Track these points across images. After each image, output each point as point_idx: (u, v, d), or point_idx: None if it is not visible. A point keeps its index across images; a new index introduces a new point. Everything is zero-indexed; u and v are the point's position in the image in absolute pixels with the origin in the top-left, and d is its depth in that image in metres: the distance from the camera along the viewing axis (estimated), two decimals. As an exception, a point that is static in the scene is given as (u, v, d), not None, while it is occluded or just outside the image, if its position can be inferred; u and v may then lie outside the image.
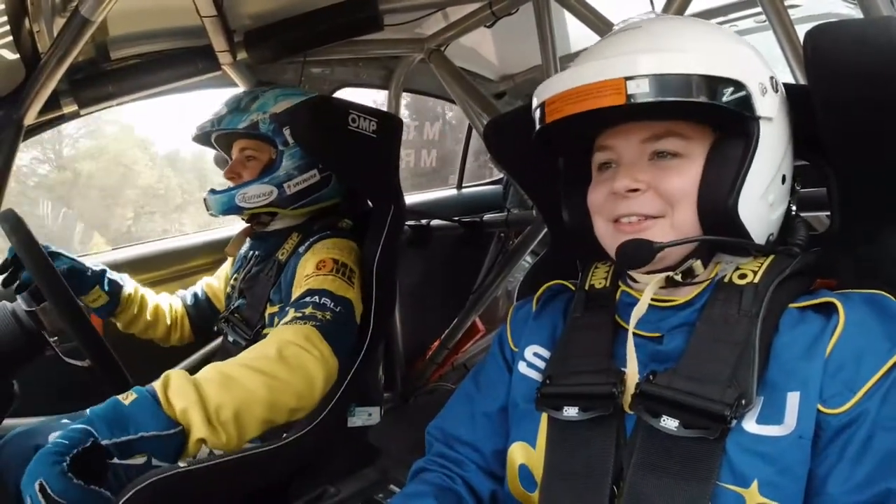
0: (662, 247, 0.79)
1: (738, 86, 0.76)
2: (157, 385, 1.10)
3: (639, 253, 0.81)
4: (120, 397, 1.07)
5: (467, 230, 2.78)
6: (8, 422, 1.58)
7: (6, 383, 1.34)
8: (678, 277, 0.83)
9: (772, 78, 0.81)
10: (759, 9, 1.39)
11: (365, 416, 1.76)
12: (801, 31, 0.86)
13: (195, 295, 1.91)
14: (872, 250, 0.86)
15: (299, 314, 1.35)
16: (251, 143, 1.64)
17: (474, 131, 2.91)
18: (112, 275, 1.70)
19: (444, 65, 2.28)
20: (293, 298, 1.45)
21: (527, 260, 2.49)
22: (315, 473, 1.33)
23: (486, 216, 2.79)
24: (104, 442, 0.98)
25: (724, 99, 0.75)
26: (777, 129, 0.81)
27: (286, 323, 1.34)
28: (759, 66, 0.81)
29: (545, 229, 2.13)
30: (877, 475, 0.68)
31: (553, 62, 1.98)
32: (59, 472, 0.91)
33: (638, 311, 0.83)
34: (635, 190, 0.81)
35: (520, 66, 2.68)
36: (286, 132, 1.59)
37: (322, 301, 1.39)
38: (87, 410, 1.04)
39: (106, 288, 1.67)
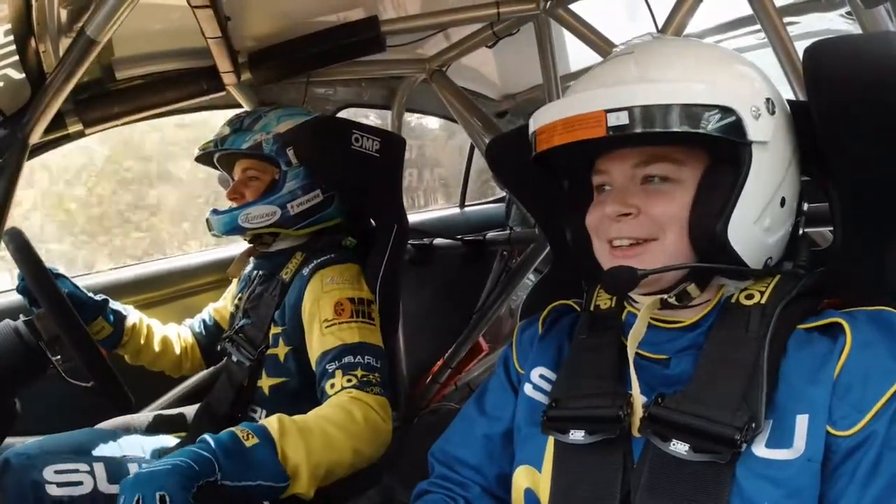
0: (646, 274, 0.79)
1: (727, 111, 0.76)
2: (272, 429, 1.18)
3: (622, 279, 0.81)
4: (239, 434, 1.13)
5: (470, 249, 2.77)
6: (8, 440, 1.58)
7: (8, 401, 1.33)
8: (672, 300, 0.83)
9: (768, 100, 0.80)
10: (758, 26, 1.40)
11: (368, 436, 1.74)
12: (801, 47, 0.87)
13: (203, 322, 1.91)
14: (877, 264, 0.85)
15: (354, 379, 1.38)
16: (254, 163, 1.65)
17: (476, 150, 2.93)
18: (115, 305, 1.69)
19: (446, 85, 2.30)
20: (324, 349, 1.45)
21: (530, 278, 2.49)
22: (318, 495, 1.31)
23: (489, 234, 2.79)
24: (226, 483, 1.06)
25: (710, 126, 0.75)
26: (774, 153, 0.80)
27: (348, 388, 1.37)
28: (754, 89, 0.80)
29: (548, 247, 2.13)
30: (885, 496, 0.67)
31: (554, 82, 1.99)
32: (186, 495, 0.97)
33: (635, 335, 0.84)
34: (626, 214, 0.82)
35: (521, 86, 2.70)
36: (290, 152, 1.59)
37: (367, 360, 1.42)
38: (207, 437, 1.11)
39: (110, 319, 1.66)
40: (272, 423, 1.18)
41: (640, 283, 0.79)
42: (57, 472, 1.34)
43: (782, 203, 0.83)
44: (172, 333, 1.84)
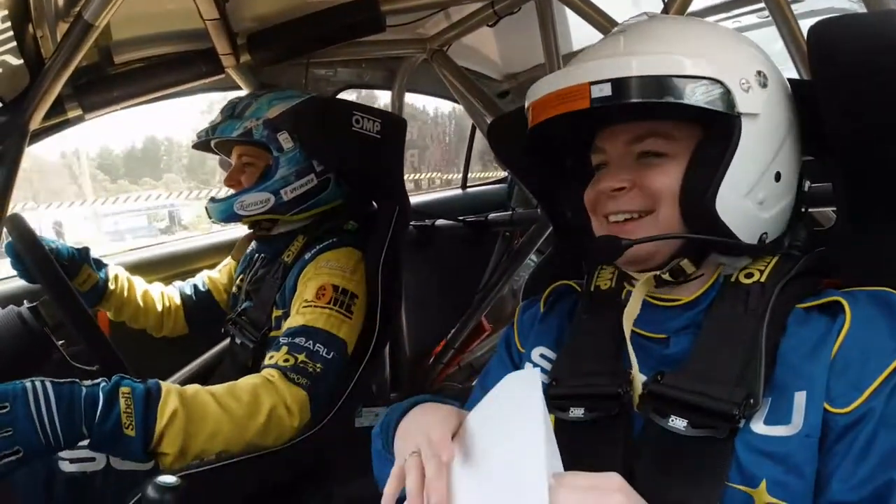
0: (631, 243, 0.80)
1: (713, 82, 0.76)
2: (159, 422, 1.17)
3: (607, 248, 0.82)
4: (123, 420, 1.13)
5: (472, 230, 2.78)
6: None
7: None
8: (666, 276, 0.84)
9: (759, 72, 0.80)
10: (761, 4, 1.39)
11: (372, 417, 1.76)
12: (805, 26, 0.86)
13: (195, 286, 1.92)
14: (879, 247, 0.85)
15: (292, 360, 1.38)
16: (248, 149, 1.64)
17: (478, 131, 2.92)
18: (95, 255, 1.70)
19: (447, 65, 2.28)
20: (290, 325, 1.47)
21: (532, 259, 2.49)
22: (322, 475, 1.33)
23: (491, 215, 2.79)
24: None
25: (696, 97, 0.75)
26: (765, 126, 0.80)
27: (279, 367, 1.37)
28: (743, 62, 0.80)
29: (550, 228, 2.13)
30: (878, 471, 0.68)
31: (556, 60, 1.98)
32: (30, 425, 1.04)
33: (630, 312, 0.85)
34: (620, 189, 0.83)
35: (523, 65, 2.67)
36: (281, 137, 1.58)
37: (315, 348, 1.42)
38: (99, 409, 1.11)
39: (93, 266, 1.67)
40: (165, 410, 1.18)
41: (624, 252, 0.81)
42: (70, 459, 1.35)
43: (777, 177, 0.82)
44: (156, 292, 1.85)
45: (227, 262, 1.93)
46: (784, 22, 1.33)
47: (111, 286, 1.72)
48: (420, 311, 2.52)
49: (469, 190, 3.28)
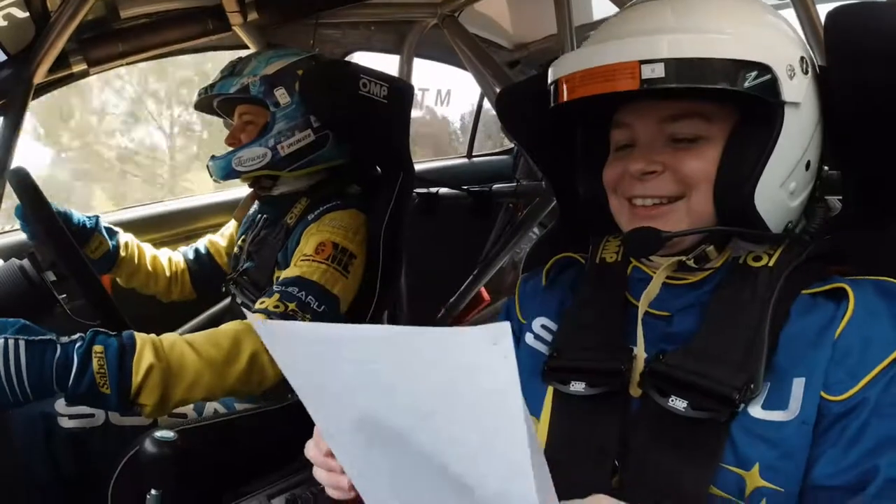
0: (670, 236, 0.78)
1: (764, 69, 0.73)
2: (134, 378, 1.15)
3: (646, 242, 0.80)
4: (97, 380, 1.12)
5: (476, 199, 2.77)
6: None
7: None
8: (691, 263, 0.82)
9: (802, 59, 0.77)
10: (780, -15, 1.36)
11: (370, 378, 1.77)
12: (822, 10, 0.84)
13: (197, 250, 1.92)
14: (887, 236, 0.84)
15: (282, 307, 1.37)
16: (248, 107, 1.63)
17: (486, 100, 2.89)
18: (106, 223, 1.71)
19: (458, 31, 2.24)
20: (286, 275, 1.47)
21: (534, 231, 2.49)
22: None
23: (495, 186, 2.77)
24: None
25: (747, 84, 0.72)
26: (804, 114, 0.78)
27: (267, 311, 1.36)
28: (790, 46, 0.77)
29: (554, 201, 2.12)
30: (864, 458, 0.68)
31: (569, 31, 1.95)
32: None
33: (649, 294, 0.83)
34: (651, 172, 0.80)
35: (535, 35, 2.63)
36: (278, 93, 1.57)
37: (307, 299, 1.41)
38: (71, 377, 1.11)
39: (104, 234, 1.68)
40: (140, 366, 1.16)
41: (663, 245, 0.79)
42: (69, 403, 1.37)
43: (807, 167, 0.81)
44: (164, 257, 1.87)
45: (230, 226, 1.93)
46: (802, 5, 1.30)
47: (122, 253, 1.73)
48: (420, 278, 2.53)
49: (474, 159, 3.26)
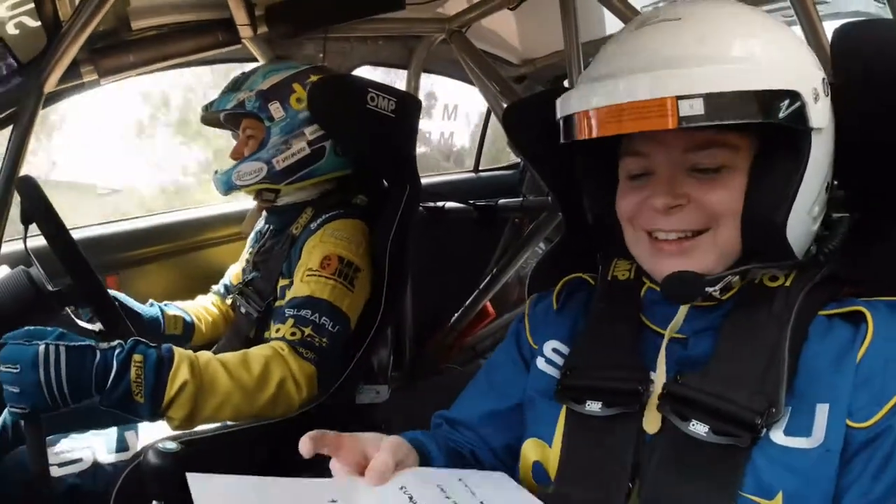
0: (712, 281, 0.76)
1: (794, 96, 0.69)
2: (168, 392, 1.18)
3: (688, 290, 0.77)
4: (133, 388, 1.14)
5: (482, 214, 2.77)
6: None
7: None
8: (716, 294, 0.79)
9: (824, 79, 0.75)
10: (786, 2, 1.36)
11: (373, 395, 1.77)
12: (829, 28, 0.84)
13: (225, 286, 1.93)
14: (893, 254, 0.84)
15: (299, 333, 1.39)
16: (250, 122, 1.65)
17: (493, 115, 2.90)
18: (170, 310, 1.78)
19: (466, 46, 2.26)
20: (295, 295, 1.47)
21: (540, 246, 2.48)
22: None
23: (502, 201, 2.77)
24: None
25: (781, 114, 0.69)
26: (826, 138, 0.76)
27: (287, 340, 1.38)
28: (813, 67, 0.75)
29: (560, 216, 2.12)
30: (892, 489, 0.66)
31: (576, 48, 1.95)
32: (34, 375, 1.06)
33: (674, 326, 0.81)
34: (676, 206, 0.77)
35: (542, 51, 2.64)
36: (272, 107, 1.58)
37: (321, 321, 1.42)
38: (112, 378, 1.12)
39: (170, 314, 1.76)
40: (175, 380, 1.19)
41: (703, 291, 0.76)
42: (55, 453, 1.36)
43: (828, 189, 0.79)
44: (205, 311, 1.89)
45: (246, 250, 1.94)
46: (808, 22, 1.30)
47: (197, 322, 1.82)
48: (425, 293, 2.53)
49: (481, 174, 3.27)
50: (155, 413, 1.18)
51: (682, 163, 0.77)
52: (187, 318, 1.80)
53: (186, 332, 1.79)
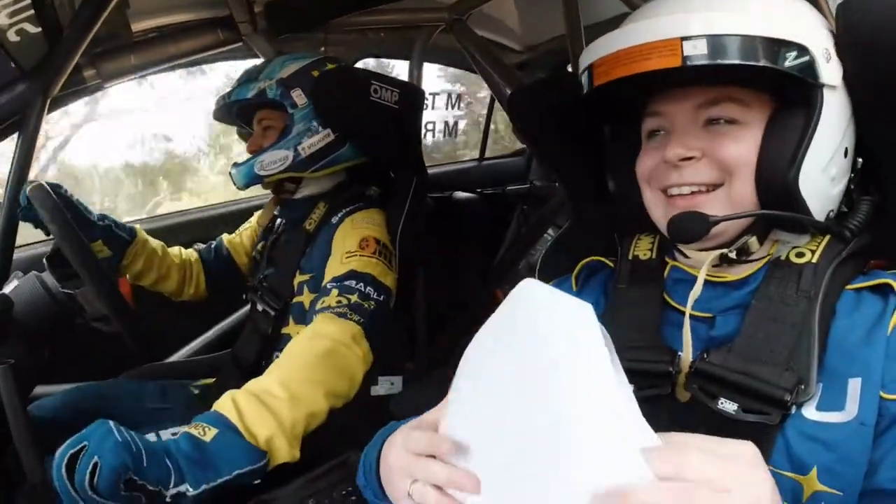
0: (718, 220, 0.75)
1: (802, 50, 0.71)
2: (228, 412, 1.12)
3: (692, 227, 0.77)
4: (194, 432, 1.07)
5: (489, 202, 2.76)
6: (39, 389, 1.63)
7: (39, 351, 1.37)
8: (733, 255, 0.79)
9: (836, 44, 0.76)
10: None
11: (387, 385, 1.77)
12: (833, 2, 0.83)
13: (215, 249, 1.91)
14: None
15: (345, 300, 1.37)
16: (267, 112, 1.63)
17: (496, 102, 2.88)
18: (120, 230, 1.69)
19: (467, 34, 2.24)
20: (335, 274, 1.46)
21: (549, 233, 2.47)
22: (338, 440, 1.34)
23: (509, 188, 2.77)
24: (193, 492, 1.00)
25: (787, 64, 0.71)
26: (841, 99, 0.77)
27: (332, 309, 1.35)
28: (823, 31, 0.76)
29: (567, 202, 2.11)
30: None
31: (578, 31, 1.94)
32: (114, 475, 0.92)
33: (694, 294, 0.79)
34: (688, 158, 0.78)
35: (544, 36, 2.63)
36: (294, 94, 1.56)
37: (367, 290, 1.41)
38: (168, 440, 1.04)
39: (108, 242, 1.66)
40: (225, 405, 1.13)
41: (710, 230, 0.76)
42: None
43: (845, 153, 0.79)
44: (176, 257, 1.84)
45: (248, 226, 1.92)
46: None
47: (125, 261, 1.71)
48: (436, 283, 2.53)
49: (486, 162, 3.26)
50: (259, 459, 1.11)
51: (696, 117, 0.79)
52: (110, 254, 1.66)
53: (111, 259, 1.67)
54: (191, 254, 1.90)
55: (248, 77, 1.62)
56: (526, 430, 0.55)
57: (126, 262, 1.71)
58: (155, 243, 1.79)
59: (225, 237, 1.93)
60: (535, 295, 0.59)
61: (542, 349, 0.55)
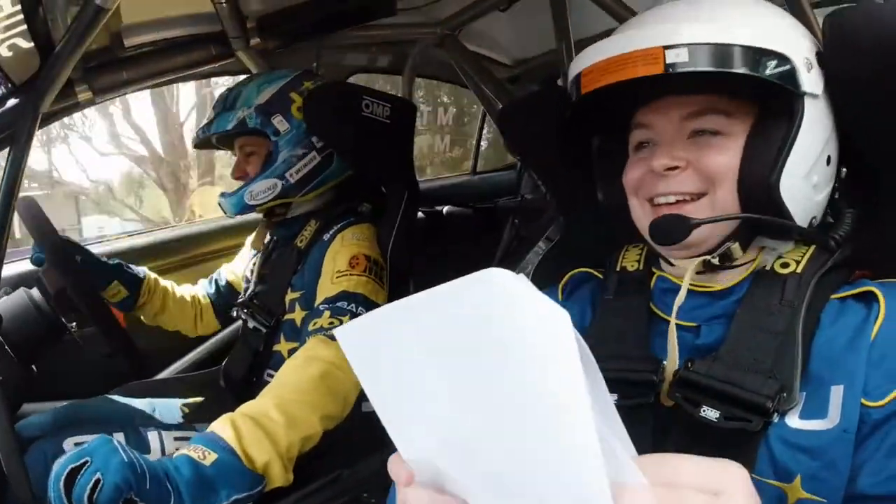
0: (699, 223, 0.77)
1: (783, 59, 0.73)
2: (227, 436, 1.12)
3: (674, 228, 0.78)
4: (194, 456, 1.07)
5: (481, 216, 2.77)
6: (26, 406, 1.61)
7: (26, 368, 1.36)
8: (715, 261, 0.81)
9: (819, 54, 0.78)
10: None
11: (378, 402, 1.76)
12: (820, 15, 0.84)
13: (216, 282, 1.93)
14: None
15: (337, 322, 1.37)
16: (247, 139, 1.63)
17: (488, 117, 2.90)
18: (131, 269, 1.73)
19: (458, 49, 2.26)
20: (327, 295, 1.46)
21: (541, 246, 2.48)
22: (330, 457, 1.34)
23: (500, 201, 2.78)
24: None
25: (768, 72, 0.73)
26: (822, 107, 0.79)
27: (325, 331, 1.35)
28: (805, 41, 0.78)
29: (559, 215, 2.12)
30: None
31: (569, 46, 1.96)
32: (116, 494, 0.93)
33: (678, 300, 0.81)
34: (674, 168, 0.79)
35: (534, 51, 2.65)
36: (275, 121, 1.56)
37: (358, 311, 1.41)
38: (167, 462, 1.04)
39: (124, 282, 1.70)
40: (224, 429, 1.13)
41: (691, 232, 0.77)
42: (77, 444, 1.36)
43: (828, 161, 0.81)
44: (188, 295, 1.88)
45: (243, 253, 1.93)
46: (799, 9, 1.30)
47: (142, 300, 1.76)
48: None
49: (478, 176, 3.27)
50: (256, 484, 1.12)
51: (682, 129, 0.81)
52: (127, 294, 1.72)
53: (122, 304, 1.72)
54: (199, 290, 1.93)
55: (225, 106, 1.62)
56: (499, 447, 0.50)
57: (142, 301, 1.75)
58: (166, 283, 1.83)
59: (225, 268, 1.94)
60: (504, 290, 0.46)
61: (509, 359, 0.47)
